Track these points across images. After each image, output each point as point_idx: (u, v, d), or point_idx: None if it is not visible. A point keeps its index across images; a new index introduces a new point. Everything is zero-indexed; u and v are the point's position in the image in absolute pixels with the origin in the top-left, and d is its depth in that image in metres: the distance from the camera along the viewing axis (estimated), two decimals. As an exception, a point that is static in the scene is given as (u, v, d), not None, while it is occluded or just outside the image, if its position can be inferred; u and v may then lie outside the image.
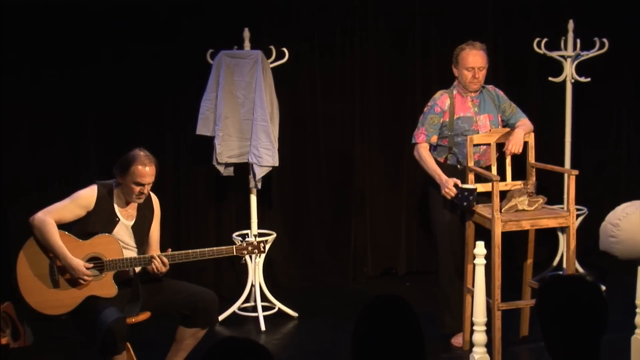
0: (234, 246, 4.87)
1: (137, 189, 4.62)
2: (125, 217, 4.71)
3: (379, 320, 2.59)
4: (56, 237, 4.52)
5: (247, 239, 5.81)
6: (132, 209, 4.74)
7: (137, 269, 4.67)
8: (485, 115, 5.47)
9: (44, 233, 4.52)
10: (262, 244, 4.94)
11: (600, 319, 2.65)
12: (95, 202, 4.62)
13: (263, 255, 6.02)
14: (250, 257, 6.03)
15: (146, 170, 4.60)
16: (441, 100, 5.45)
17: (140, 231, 4.75)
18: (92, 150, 6.25)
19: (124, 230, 4.69)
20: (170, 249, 4.72)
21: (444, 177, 5.32)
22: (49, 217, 4.53)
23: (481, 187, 5.29)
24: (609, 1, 7.02)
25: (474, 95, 5.48)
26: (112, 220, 4.65)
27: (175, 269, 5.23)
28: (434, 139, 5.43)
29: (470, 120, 5.44)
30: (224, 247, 4.83)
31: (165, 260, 4.63)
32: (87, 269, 4.53)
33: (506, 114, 5.56)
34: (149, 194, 4.79)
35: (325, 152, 6.84)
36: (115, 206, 4.67)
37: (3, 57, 5.96)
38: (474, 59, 5.40)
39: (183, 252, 4.72)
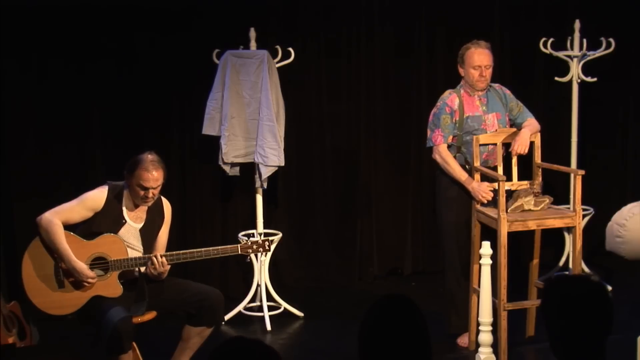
0: (239, 245, 4.87)
1: (142, 192, 4.61)
2: (134, 220, 4.70)
3: (385, 320, 2.59)
4: (62, 239, 4.52)
5: (252, 238, 5.81)
6: (142, 212, 4.73)
7: (143, 269, 4.67)
8: (493, 114, 5.45)
9: (50, 234, 4.52)
10: (267, 243, 4.93)
11: (606, 319, 2.65)
12: (104, 204, 4.61)
13: (269, 255, 6.02)
14: (256, 256, 6.03)
15: (151, 175, 4.59)
16: (450, 99, 5.43)
17: (148, 235, 4.74)
18: (99, 150, 6.24)
19: (130, 232, 4.68)
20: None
21: (474, 182, 5.30)
22: (56, 218, 4.53)
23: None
24: (615, 1, 7.01)
25: (481, 94, 5.46)
26: (119, 222, 4.65)
27: (181, 269, 5.23)
28: (451, 139, 5.41)
29: (479, 119, 5.42)
30: (228, 246, 4.83)
31: (165, 260, 4.62)
32: (91, 270, 4.53)
33: (513, 113, 5.55)
34: (161, 200, 4.78)
35: (331, 152, 6.83)
36: (124, 208, 4.67)
37: (9, 57, 5.97)
38: (480, 58, 5.39)
39: (188, 251, 4.72)
